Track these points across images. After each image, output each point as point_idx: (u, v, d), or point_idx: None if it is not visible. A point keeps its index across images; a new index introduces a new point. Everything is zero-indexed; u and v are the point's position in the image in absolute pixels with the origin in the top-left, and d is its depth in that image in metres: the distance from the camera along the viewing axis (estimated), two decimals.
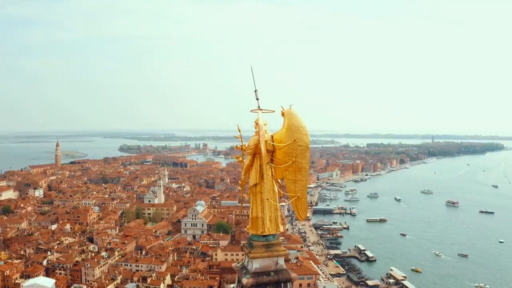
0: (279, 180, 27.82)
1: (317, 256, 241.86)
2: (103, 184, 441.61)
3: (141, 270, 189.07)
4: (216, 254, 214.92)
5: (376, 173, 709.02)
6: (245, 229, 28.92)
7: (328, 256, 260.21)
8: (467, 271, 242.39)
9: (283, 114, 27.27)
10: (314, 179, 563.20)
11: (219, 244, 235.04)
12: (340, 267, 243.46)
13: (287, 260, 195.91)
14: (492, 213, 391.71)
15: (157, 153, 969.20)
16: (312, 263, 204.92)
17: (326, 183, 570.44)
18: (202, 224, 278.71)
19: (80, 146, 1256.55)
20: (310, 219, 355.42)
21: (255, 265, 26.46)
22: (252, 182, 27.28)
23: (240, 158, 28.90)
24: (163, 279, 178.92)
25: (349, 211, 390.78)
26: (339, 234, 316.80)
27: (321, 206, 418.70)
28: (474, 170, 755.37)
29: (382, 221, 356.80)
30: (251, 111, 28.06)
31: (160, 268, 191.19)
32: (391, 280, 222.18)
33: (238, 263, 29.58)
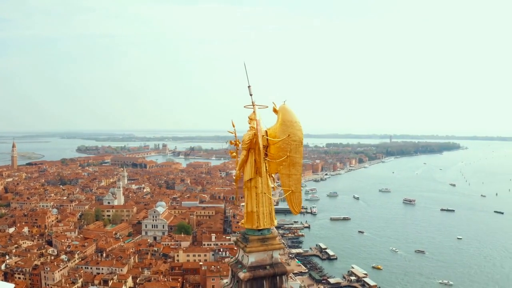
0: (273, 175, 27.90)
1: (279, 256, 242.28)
2: (61, 185, 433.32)
3: (102, 273, 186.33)
4: (178, 256, 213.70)
5: (336, 172, 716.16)
6: (239, 223, 28.71)
7: (290, 255, 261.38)
8: (426, 268, 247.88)
9: (274, 110, 27.30)
10: (276, 178, 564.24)
11: (180, 245, 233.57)
12: (302, 265, 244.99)
13: None
14: (453, 211, 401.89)
15: (116, 153, 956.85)
16: None
17: None
18: (163, 225, 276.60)
19: (37, 147, 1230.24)
20: None
21: (251, 259, 26.45)
22: (247, 177, 27.36)
23: (234, 154, 28.77)
24: (125, 281, 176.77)
25: (309, 210, 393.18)
26: (300, 233, 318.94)
27: (282, 206, 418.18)
28: (431, 169, 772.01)
29: (345, 219, 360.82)
30: (244, 106, 28.03)
31: (121, 270, 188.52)
32: (353, 278, 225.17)
33: (231, 258, 29.37)
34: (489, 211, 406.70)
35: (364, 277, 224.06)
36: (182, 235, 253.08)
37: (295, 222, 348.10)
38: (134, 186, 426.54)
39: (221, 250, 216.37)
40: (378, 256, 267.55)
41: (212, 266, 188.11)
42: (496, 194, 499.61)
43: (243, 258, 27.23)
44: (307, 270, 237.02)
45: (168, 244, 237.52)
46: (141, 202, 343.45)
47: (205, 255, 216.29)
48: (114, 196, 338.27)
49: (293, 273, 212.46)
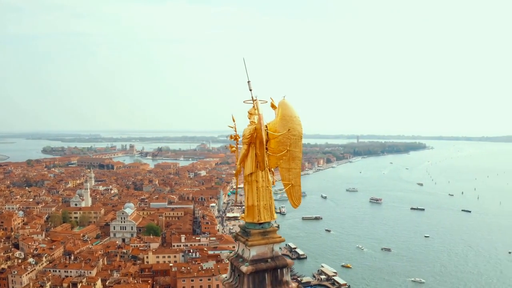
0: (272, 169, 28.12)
1: None
2: (26, 187, 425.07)
3: (71, 276, 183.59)
4: (147, 257, 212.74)
5: (304, 172, 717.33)
6: (239, 217, 28.77)
7: None
8: (395, 266, 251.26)
9: (272, 106, 27.50)
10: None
11: (150, 246, 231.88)
12: None
13: (220, 261, 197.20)
14: (423, 209, 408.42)
15: (83, 154, 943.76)
16: None
17: None
18: (132, 227, 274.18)
19: (2, 148, 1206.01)
20: (240, 219, 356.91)
21: (252, 252, 26.67)
22: (247, 171, 27.63)
23: (234, 148, 28.82)
24: (94, 284, 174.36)
25: (278, 210, 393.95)
26: None
27: None
28: (397, 168, 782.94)
29: (317, 219, 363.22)
30: (244, 101, 28.19)
31: (90, 273, 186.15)
32: (323, 277, 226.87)
33: (231, 252, 29.43)
34: (457, 209, 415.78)
35: (334, 275, 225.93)
36: (151, 237, 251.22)
37: None
38: (101, 188, 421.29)
39: (191, 251, 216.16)
40: (346, 254, 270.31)
41: (183, 267, 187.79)
42: (462, 193, 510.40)
43: (243, 252, 27.33)
44: None
45: (137, 245, 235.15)
46: (109, 203, 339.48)
47: (175, 256, 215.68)
48: (81, 197, 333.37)
49: None
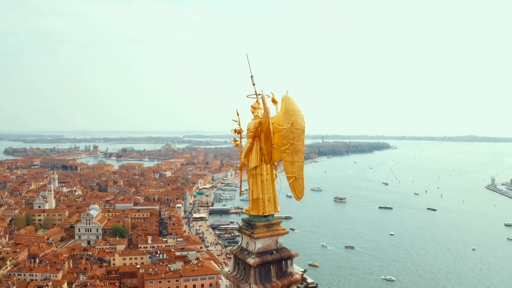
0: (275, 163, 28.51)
1: (216, 256, 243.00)
2: None
3: (36, 280, 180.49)
4: (114, 259, 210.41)
5: None
6: (243, 210, 29.09)
7: (228, 256, 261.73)
8: (358, 263, 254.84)
9: (273, 100, 27.88)
10: (209, 179, 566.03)
11: (116, 248, 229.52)
12: None
13: (187, 262, 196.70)
14: (391, 208, 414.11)
15: (45, 155, 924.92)
16: (213, 263, 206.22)
17: (222, 183, 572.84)
18: (97, 229, 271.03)
19: None
20: (207, 220, 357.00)
21: (258, 245, 26.96)
22: (252, 165, 27.65)
23: (238, 142, 29.11)
24: (60, 287, 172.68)
25: (245, 210, 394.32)
26: (236, 233, 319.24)
27: (217, 206, 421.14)
28: (362, 168, 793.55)
29: (287, 218, 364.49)
30: (247, 96, 28.46)
31: (56, 276, 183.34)
32: None
33: (234, 246, 29.62)
34: (422, 208, 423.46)
35: (301, 274, 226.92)
36: (117, 239, 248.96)
37: (231, 222, 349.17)
38: (65, 189, 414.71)
39: (158, 252, 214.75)
40: (312, 253, 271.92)
41: (150, 269, 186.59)
42: (426, 192, 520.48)
43: (248, 245, 27.53)
44: None
45: (103, 248, 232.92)
46: (73, 205, 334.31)
47: (141, 258, 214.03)
48: (45, 199, 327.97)
49: None
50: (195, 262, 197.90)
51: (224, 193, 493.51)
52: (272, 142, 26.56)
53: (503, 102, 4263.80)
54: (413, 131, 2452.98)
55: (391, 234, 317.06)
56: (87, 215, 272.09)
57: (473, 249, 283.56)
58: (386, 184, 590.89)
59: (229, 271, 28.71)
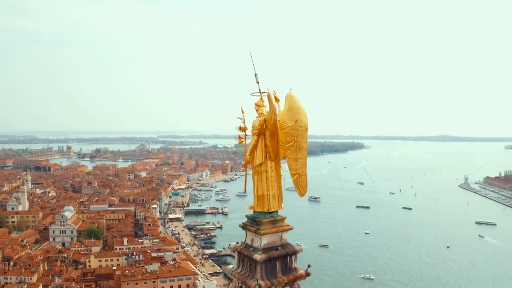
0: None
1: (193, 257, 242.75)
2: None
3: (11, 283, 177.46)
4: (89, 261, 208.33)
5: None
6: (247, 208, 29.22)
7: (204, 256, 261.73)
8: (332, 261, 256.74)
9: (275, 98, 28.13)
10: (185, 180, 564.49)
11: (91, 250, 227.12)
12: (216, 266, 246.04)
13: (164, 263, 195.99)
14: (368, 207, 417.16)
15: (18, 156, 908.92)
16: (190, 264, 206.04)
17: (197, 183, 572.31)
18: (72, 231, 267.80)
19: None
20: (182, 220, 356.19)
21: (264, 241, 27.14)
22: (258, 162, 27.85)
23: (242, 139, 29.35)
24: None
25: (221, 211, 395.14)
26: (212, 234, 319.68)
27: (193, 206, 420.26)
28: (336, 167, 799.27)
29: None
30: (251, 94, 28.73)
31: (30, 279, 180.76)
32: None
33: (238, 242, 29.79)
34: (398, 207, 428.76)
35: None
36: (92, 240, 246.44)
37: (207, 222, 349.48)
38: (38, 191, 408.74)
39: (134, 254, 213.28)
40: None
41: (126, 271, 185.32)
42: (400, 191, 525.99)
43: (253, 241, 27.67)
44: (221, 270, 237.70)
45: (78, 249, 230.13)
46: (47, 207, 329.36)
47: (117, 260, 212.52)
48: (18, 201, 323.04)
49: (208, 274, 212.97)
50: (172, 263, 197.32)
51: (199, 194, 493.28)
52: (278, 140, 26.96)
53: (475, 103, 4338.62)
54: (387, 131, 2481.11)
55: (366, 233, 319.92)
56: (62, 217, 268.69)
57: (448, 247, 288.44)
58: (362, 183, 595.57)
59: (233, 268, 28.83)
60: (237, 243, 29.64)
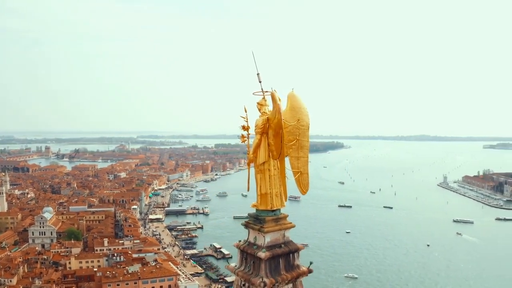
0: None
1: (174, 257, 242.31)
2: None
3: None
4: (69, 263, 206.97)
5: (226, 172, 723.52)
6: (250, 206, 29.41)
7: (185, 256, 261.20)
8: (314, 261, 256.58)
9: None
10: (165, 180, 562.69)
11: (71, 252, 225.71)
12: (198, 266, 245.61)
13: (145, 263, 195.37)
14: (350, 207, 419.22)
15: None
16: (171, 264, 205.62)
17: (177, 184, 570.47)
18: (51, 232, 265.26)
19: None
20: (163, 221, 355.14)
21: (267, 239, 27.38)
22: (261, 160, 28.07)
23: (245, 138, 29.58)
24: None
25: (201, 211, 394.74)
26: (193, 234, 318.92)
27: (173, 207, 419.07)
28: (317, 167, 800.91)
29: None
30: (253, 93, 28.97)
31: (10, 281, 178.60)
32: None
33: (240, 241, 29.99)
34: (379, 206, 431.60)
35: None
36: (72, 242, 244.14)
37: (187, 223, 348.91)
38: (17, 192, 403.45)
39: (115, 255, 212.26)
40: None
41: (107, 272, 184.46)
42: (380, 190, 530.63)
43: (256, 239, 27.85)
44: (203, 271, 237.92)
45: (58, 251, 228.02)
46: (26, 208, 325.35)
47: (98, 261, 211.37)
48: None
49: (190, 274, 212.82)
50: (153, 264, 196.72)
51: (180, 194, 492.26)
52: (282, 138, 27.30)
53: (454, 103, 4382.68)
54: (367, 131, 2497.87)
55: (347, 232, 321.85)
56: (41, 218, 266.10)
57: (428, 245, 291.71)
58: (342, 183, 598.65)
59: (235, 266, 29.03)
60: (240, 241, 29.87)
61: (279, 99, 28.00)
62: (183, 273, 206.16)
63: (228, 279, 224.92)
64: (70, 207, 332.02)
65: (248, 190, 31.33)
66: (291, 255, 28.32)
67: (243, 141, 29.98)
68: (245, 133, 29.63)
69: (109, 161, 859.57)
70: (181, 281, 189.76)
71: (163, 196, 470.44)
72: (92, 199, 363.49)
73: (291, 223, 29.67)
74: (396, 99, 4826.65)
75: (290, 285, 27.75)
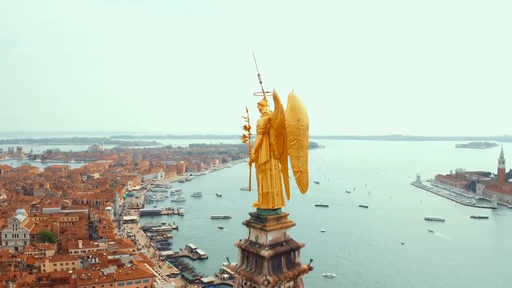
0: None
1: (150, 258, 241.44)
2: None
3: None
4: (44, 265, 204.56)
5: (200, 172, 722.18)
6: (251, 205, 29.72)
7: (161, 258, 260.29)
8: None
9: (273, 98, 28.86)
10: (139, 181, 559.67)
11: (45, 254, 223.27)
12: (174, 267, 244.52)
13: (121, 265, 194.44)
14: (327, 206, 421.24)
15: None
16: (147, 266, 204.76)
17: (151, 184, 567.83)
18: (24, 234, 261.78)
19: None
20: (138, 222, 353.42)
21: (269, 237, 27.73)
22: (262, 160, 28.44)
23: (246, 138, 29.90)
24: None
25: (176, 212, 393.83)
26: (169, 235, 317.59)
27: (148, 208, 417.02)
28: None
29: (226, 218, 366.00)
30: (254, 94, 29.38)
31: None
32: (225, 275, 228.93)
33: (241, 240, 30.30)
34: (354, 205, 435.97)
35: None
36: (46, 244, 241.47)
37: (162, 224, 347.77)
38: None
39: (90, 257, 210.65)
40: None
41: (83, 274, 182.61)
42: (354, 189, 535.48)
43: (258, 238, 28.12)
44: (179, 272, 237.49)
45: (31, 254, 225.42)
46: None
47: (73, 263, 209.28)
48: None
49: (166, 275, 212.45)
50: (129, 266, 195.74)
51: (154, 195, 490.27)
52: (285, 138, 27.81)
53: (426, 103, 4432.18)
54: (341, 131, 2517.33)
55: (322, 231, 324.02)
56: (14, 220, 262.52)
57: (402, 243, 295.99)
58: (317, 183, 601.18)
59: (237, 265, 29.29)
60: (240, 240, 30.19)
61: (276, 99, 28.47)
62: (159, 274, 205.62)
63: (205, 279, 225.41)
64: (43, 208, 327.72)
65: (250, 189, 31.81)
66: (292, 253, 28.87)
67: (245, 141, 30.40)
68: (246, 133, 30.08)
69: (82, 161, 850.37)
70: (157, 282, 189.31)
71: (137, 197, 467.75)
72: (65, 201, 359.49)
73: (291, 221, 30.19)
74: (370, 99, 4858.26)
75: (292, 282, 28.21)
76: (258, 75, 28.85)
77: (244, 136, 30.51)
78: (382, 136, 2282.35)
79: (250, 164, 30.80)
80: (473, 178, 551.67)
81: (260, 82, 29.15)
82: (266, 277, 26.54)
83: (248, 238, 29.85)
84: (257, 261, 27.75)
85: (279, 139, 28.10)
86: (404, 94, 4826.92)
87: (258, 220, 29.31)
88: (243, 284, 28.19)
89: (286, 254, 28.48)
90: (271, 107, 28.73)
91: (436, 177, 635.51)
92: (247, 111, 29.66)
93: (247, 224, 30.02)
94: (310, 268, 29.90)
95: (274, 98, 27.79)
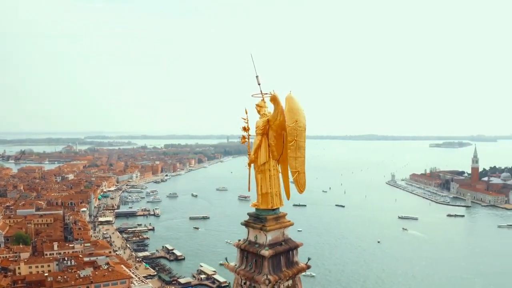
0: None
1: (126, 260, 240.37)
2: None
3: None
4: (19, 268, 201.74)
5: (176, 173, 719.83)
6: (250, 205, 30.11)
7: (137, 259, 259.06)
8: None
9: (272, 99, 29.26)
10: (114, 182, 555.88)
11: (20, 257, 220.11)
12: (151, 268, 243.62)
13: (97, 267, 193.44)
14: (305, 205, 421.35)
15: None
16: (124, 267, 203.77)
17: (127, 185, 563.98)
18: None
19: None
20: (113, 223, 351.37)
21: (269, 237, 28.02)
22: (262, 161, 28.67)
23: (246, 139, 30.25)
24: None
25: (152, 212, 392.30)
26: (145, 236, 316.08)
27: (123, 209, 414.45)
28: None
29: (205, 218, 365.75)
30: (252, 95, 29.63)
31: None
32: (203, 276, 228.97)
33: (239, 240, 30.66)
34: (331, 205, 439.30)
35: (213, 274, 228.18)
36: (21, 246, 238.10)
37: (138, 225, 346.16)
38: None
39: (66, 259, 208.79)
40: (221, 251, 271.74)
41: (59, 277, 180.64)
42: (330, 189, 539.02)
43: (257, 238, 28.39)
44: (156, 273, 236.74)
45: (6, 256, 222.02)
46: None
47: (48, 266, 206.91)
48: None
49: (143, 277, 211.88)
50: (106, 267, 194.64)
51: (130, 195, 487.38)
52: (285, 140, 28.37)
53: (401, 103, 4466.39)
54: (316, 130, 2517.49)
55: (298, 231, 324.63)
56: None
57: (378, 242, 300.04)
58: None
59: (235, 265, 29.48)
60: (239, 240, 30.56)
61: (274, 101, 28.97)
62: (136, 275, 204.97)
63: (182, 280, 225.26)
64: (17, 210, 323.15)
65: (249, 190, 32.25)
66: (290, 252, 29.25)
67: (243, 142, 30.83)
68: (245, 134, 30.54)
69: (56, 162, 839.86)
70: (134, 284, 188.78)
71: (112, 198, 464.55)
72: (39, 202, 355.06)
73: (289, 221, 30.46)
74: (345, 99, 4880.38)
75: (290, 281, 28.61)
76: (257, 76, 29.20)
77: (243, 137, 30.94)
78: (357, 136, 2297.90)
79: (249, 165, 31.45)
80: (447, 177, 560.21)
81: (259, 84, 29.48)
82: (266, 277, 26.83)
83: (247, 238, 30.14)
84: (257, 261, 28.06)
85: (279, 140, 28.57)
86: (380, 94, 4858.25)
87: (257, 220, 29.62)
88: (242, 284, 28.43)
89: (285, 253, 28.90)
90: (269, 108, 29.14)
91: (411, 176, 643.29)
92: (246, 113, 30.10)
93: (246, 224, 30.29)
94: (308, 267, 30.40)
95: (274, 99, 28.23)
